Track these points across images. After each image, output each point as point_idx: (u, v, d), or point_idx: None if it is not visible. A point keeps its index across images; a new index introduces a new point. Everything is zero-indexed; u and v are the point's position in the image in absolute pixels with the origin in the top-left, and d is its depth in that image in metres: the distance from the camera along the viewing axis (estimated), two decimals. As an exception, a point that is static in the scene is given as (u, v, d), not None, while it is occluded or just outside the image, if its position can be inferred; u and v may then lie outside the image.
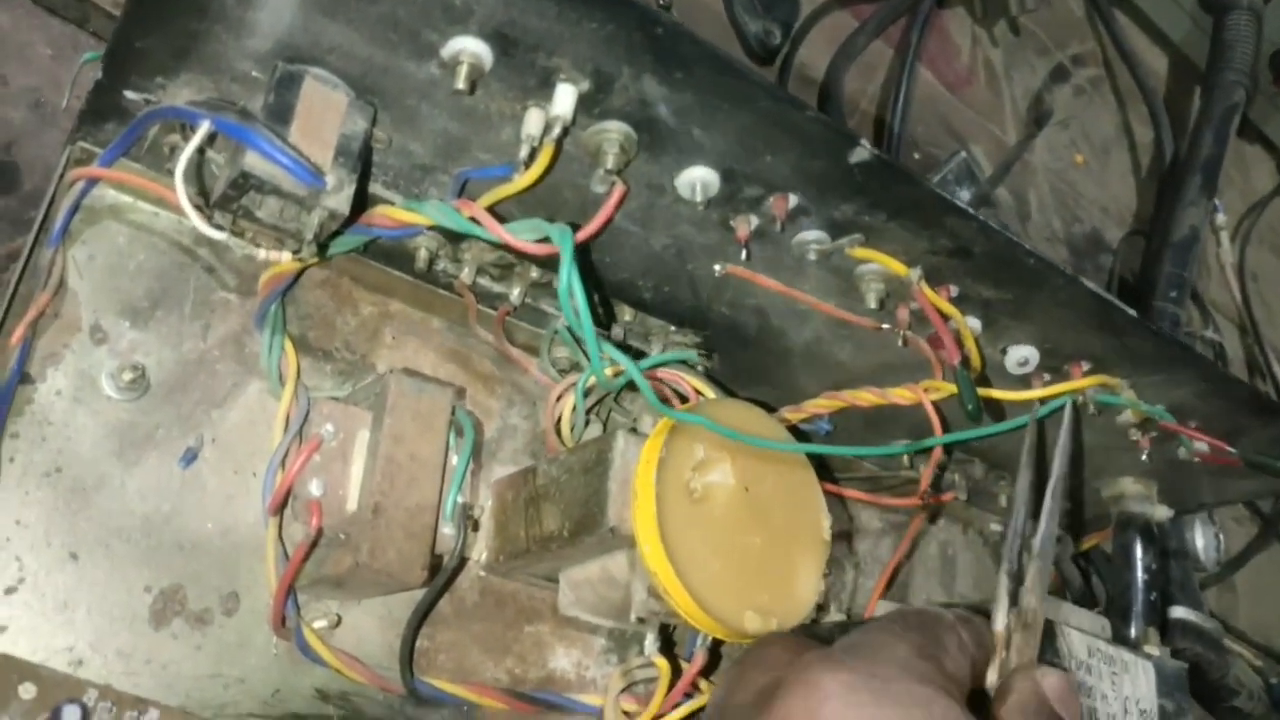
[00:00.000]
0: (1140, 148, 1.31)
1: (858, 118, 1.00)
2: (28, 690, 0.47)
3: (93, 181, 0.54)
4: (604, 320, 0.66)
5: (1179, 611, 0.95)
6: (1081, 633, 0.67)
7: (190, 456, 0.55)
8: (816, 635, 0.72)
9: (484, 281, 0.62)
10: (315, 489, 0.53)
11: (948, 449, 0.69)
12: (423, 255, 0.59)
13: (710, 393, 0.64)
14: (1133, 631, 0.81)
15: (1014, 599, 0.43)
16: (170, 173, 0.53)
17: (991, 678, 0.41)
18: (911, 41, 1.00)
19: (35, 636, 0.49)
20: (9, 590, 0.49)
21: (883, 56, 1.04)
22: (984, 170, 1.04)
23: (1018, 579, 0.43)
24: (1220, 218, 1.30)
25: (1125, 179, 1.29)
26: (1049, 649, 0.64)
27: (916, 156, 1.02)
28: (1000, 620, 0.42)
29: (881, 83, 1.03)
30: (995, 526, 0.92)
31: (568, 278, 0.49)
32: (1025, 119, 1.17)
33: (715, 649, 0.62)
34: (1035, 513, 0.47)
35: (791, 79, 0.95)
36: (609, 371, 0.59)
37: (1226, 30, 1.16)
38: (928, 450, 0.78)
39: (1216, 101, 1.14)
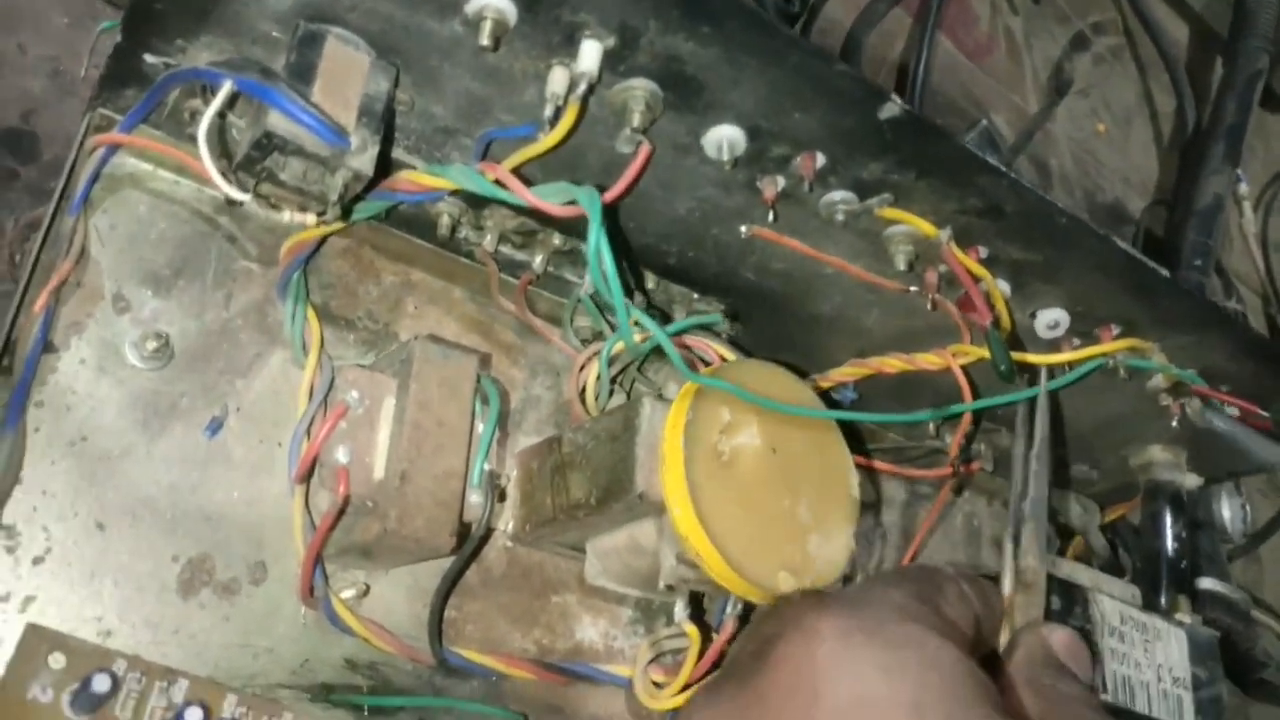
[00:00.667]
0: (1162, 116, 1.29)
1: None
2: (57, 660, 0.47)
3: (113, 148, 0.53)
4: (628, 287, 0.65)
5: (1207, 582, 0.94)
6: (1113, 599, 0.66)
7: (215, 426, 0.54)
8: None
9: (506, 249, 0.62)
10: (342, 456, 0.52)
11: (976, 417, 0.68)
12: (445, 222, 0.58)
13: (733, 359, 0.63)
14: (1163, 600, 0.80)
15: (1015, 560, 0.45)
16: (191, 138, 0.52)
17: (1003, 640, 0.41)
18: (931, 8, 0.99)
19: (64, 606, 0.49)
20: (36, 560, 0.49)
21: (902, 24, 1.03)
22: (1005, 139, 1.03)
23: (1019, 542, 0.44)
24: (1243, 187, 1.28)
25: (1147, 148, 1.27)
26: (1081, 614, 0.64)
27: (938, 124, 1.00)
28: (1008, 585, 0.42)
29: (901, 50, 1.01)
30: (1021, 497, 0.91)
31: (596, 240, 0.48)
32: (1046, 88, 1.15)
33: (745, 616, 0.62)
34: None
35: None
36: (636, 337, 0.59)
37: (1250, -4, 1.14)
38: (956, 418, 0.77)
39: (1239, 69, 1.12)
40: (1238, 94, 1.11)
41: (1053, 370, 0.66)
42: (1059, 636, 0.40)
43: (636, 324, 0.57)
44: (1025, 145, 1.06)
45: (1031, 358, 0.65)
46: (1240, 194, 1.29)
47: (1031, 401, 0.57)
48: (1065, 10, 1.20)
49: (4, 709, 0.46)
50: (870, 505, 0.81)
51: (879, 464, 0.79)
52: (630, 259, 0.64)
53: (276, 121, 0.45)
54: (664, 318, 0.67)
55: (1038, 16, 1.17)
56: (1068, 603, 0.63)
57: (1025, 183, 0.57)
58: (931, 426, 0.79)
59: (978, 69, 1.07)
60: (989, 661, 0.41)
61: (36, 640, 0.47)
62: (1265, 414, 0.73)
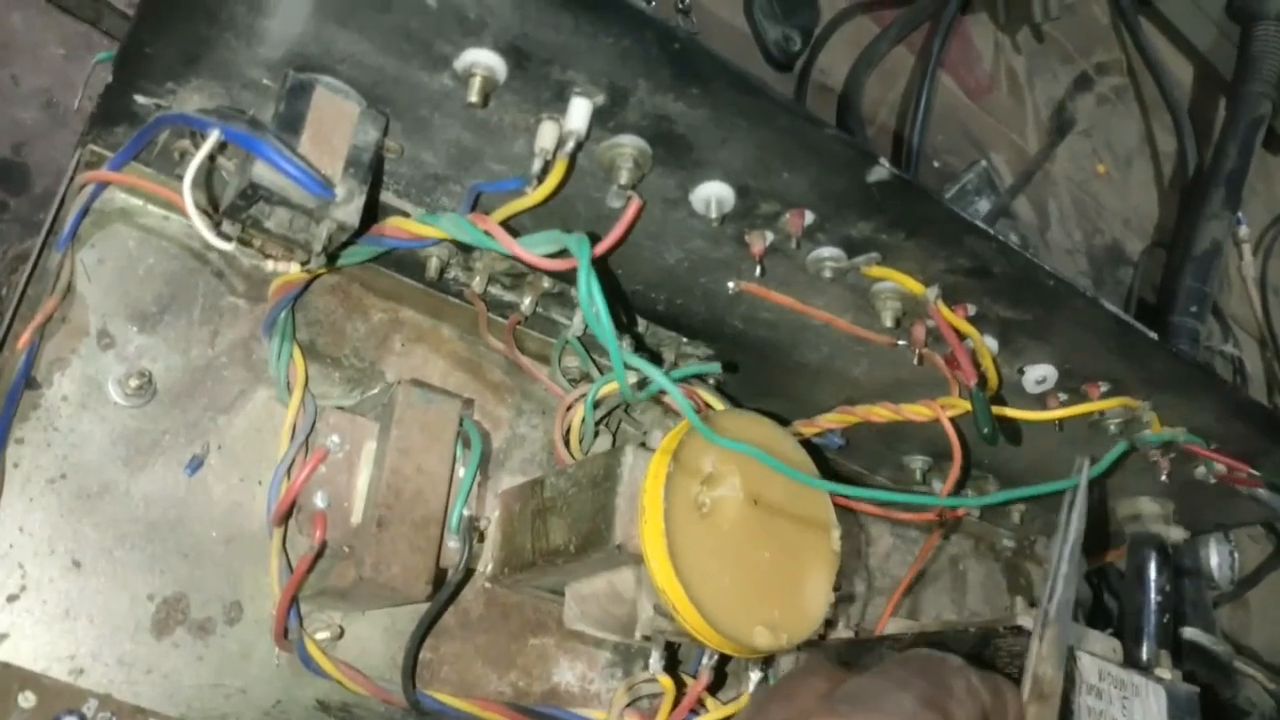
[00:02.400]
0: (1163, 158, 1.29)
1: (877, 125, 0.99)
2: (27, 699, 0.47)
3: (103, 185, 0.53)
4: (619, 327, 0.65)
5: (1190, 633, 0.94)
6: (1093, 656, 0.66)
7: (196, 464, 0.54)
8: (824, 651, 0.71)
9: (495, 290, 0.62)
10: (320, 501, 0.52)
11: (965, 466, 0.68)
12: (434, 264, 0.58)
13: (719, 405, 0.64)
14: (1144, 653, 0.80)
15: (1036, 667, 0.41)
16: (179, 177, 0.53)
17: None
18: (934, 49, 0.99)
19: (37, 644, 0.49)
20: (11, 598, 0.49)
21: (904, 63, 1.03)
22: (1004, 180, 1.03)
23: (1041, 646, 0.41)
24: (1243, 230, 1.28)
25: (1147, 190, 1.27)
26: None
27: (936, 165, 1.01)
28: (1026, 691, 0.40)
29: (902, 90, 1.02)
30: (1007, 542, 0.91)
31: (586, 287, 0.48)
32: (1047, 128, 1.15)
33: (721, 666, 0.62)
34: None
35: (811, 85, 0.94)
36: (631, 379, 0.58)
37: (1254, 42, 1.14)
38: (945, 464, 0.77)
39: (1242, 114, 1.12)
40: (1239, 139, 1.11)
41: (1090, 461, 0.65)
42: None
43: (630, 367, 0.57)
44: (1024, 186, 1.06)
45: (1011, 413, 0.65)
46: (1240, 236, 1.29)
47: (1071, 493, 0.52)
48: (1069, 50, 1.20)
49: (-27, 747, 0.46)
50: (854, 549, 0.81)
51: (866, 507, 0.79)
52: (620, 303, 0.64)
53: (262, 172, 0.45)
54: (654, 359, 0.67)
55: (1041, 55, 1.18)
56: (1047, 659, 0.63)
57: (1013, 245, 0.57)
58: (919, 474, 0.79)
59: (978, 108, 1.07)
60: None
61: (7, 678, 0.47)
62: (1256, 473, 0.73)
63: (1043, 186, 1.12)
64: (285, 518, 0.52)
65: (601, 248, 0.50)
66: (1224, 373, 1.19)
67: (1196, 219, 1.09)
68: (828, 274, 0.56)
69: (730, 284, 0.59)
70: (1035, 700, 0.39)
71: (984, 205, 0.98)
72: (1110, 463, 0.65)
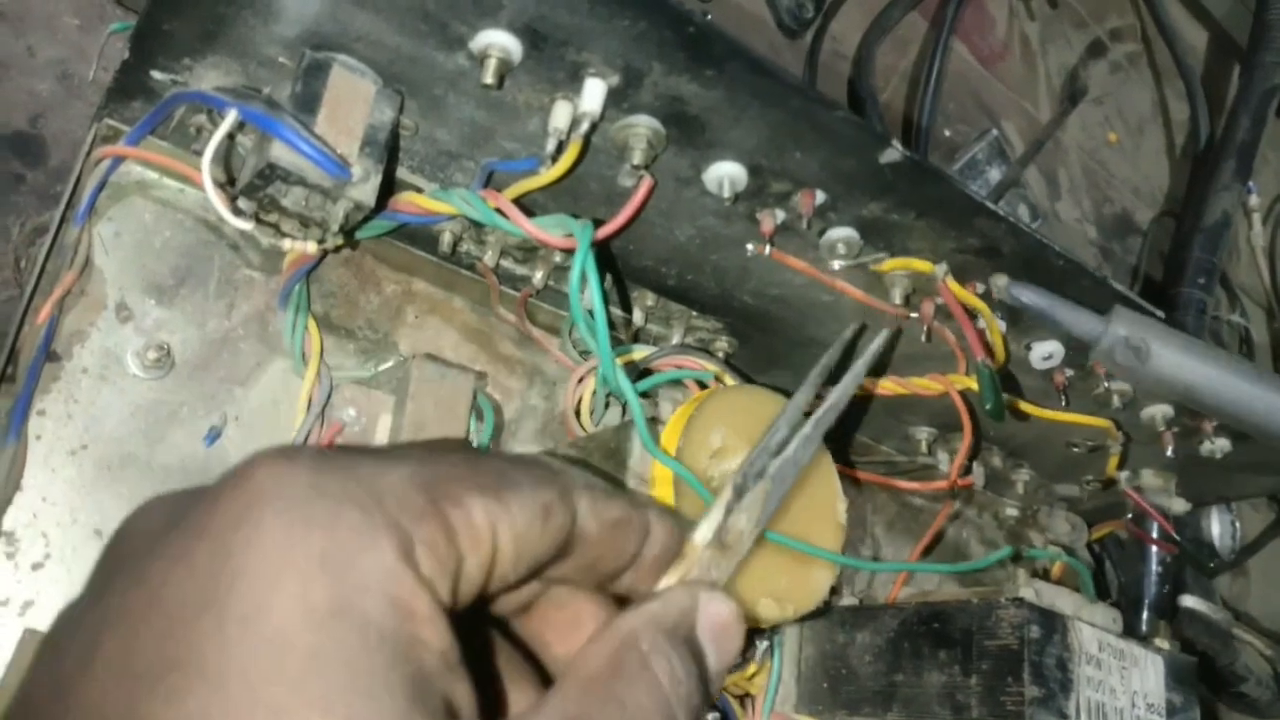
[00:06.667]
0: (1175, 126, 1.28)
1: (889, 93, 0.99)
2: (53, 664, 0.48)
3: (119, 159, 0.53)
4: (626, 305, 0.66)
5: (1189, 600, 0.95)
6: (1093, 627, 0.68)
7: (214, 435, 0.55)
8: (829, 619, 0.73)
9: (507, 264, 0.62)
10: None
11: (975, 438, 0.69)
12: (447, 239, 0.59)
13: (729, 380, 0.64)
14: (1144, 624, 0.81)
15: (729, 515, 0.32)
16: (196, 153, 0.53)
17: (662, 588, 0.31)
18: (947, 15, 0.98)
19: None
20: (36, 566, 0.50)
21: (916, 30, 1.02)
22: (1015, 149, 1.03)
23: (741, 496, 0.33)
24: (1253, 199, 1.28)
25: (1158, 158, 1.27)
26: (1060, 642, 0.65)
27: (947, 134, 1.00)
28: (704, 532, 0.31)
29: (914, 58, 1.01)
30: (1010, 511, 0.92)
31: (581, 270, 0.49)
32: (1059, 95, 1.15)
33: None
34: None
35: (823, 52, 0.94)
36: (620, 361, 0.59)
37: (1271, 9, 1.13)
38: (953, 431, 0.78)
39: (1256, 83, 1.11)
40: (1252, 110, 1.10)
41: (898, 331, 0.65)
42: (716, 609, 0.29)
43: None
44: (1035, 155, 1.06)
45: (1025, 407, 0.66)
46: (1250, 206, 1.29)
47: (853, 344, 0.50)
48: (1083, 16, 1.19)
49: (2, 712, 0.47)
50: (860, 519, 0.82)
51: (872, 476, 0.80)
52: (630, 278, 0.65)
53: (280, 152, 0.45)
54: (663, 333, 0.67)
55: (1055, 22, 1.17)
56: (1047, 629, 0.64)
57: (1023, 220, 0.57)
58: (925, 445, 0.80)
59: (991, 76, 1.06)
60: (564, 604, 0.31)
61: (34, 645, 0.49)
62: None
63: (1053, 155, 1.11)
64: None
65: (608, 230, 0.51)
66: (1231, 342, 1.20)
67: (1207, 190, 1.08)
68: (837, 266, 0.57)
69: (749, 246, 0.59)
70: (715, 546, 0.31)
71: (994, 175, 0.98)
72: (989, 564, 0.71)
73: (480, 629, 0.29)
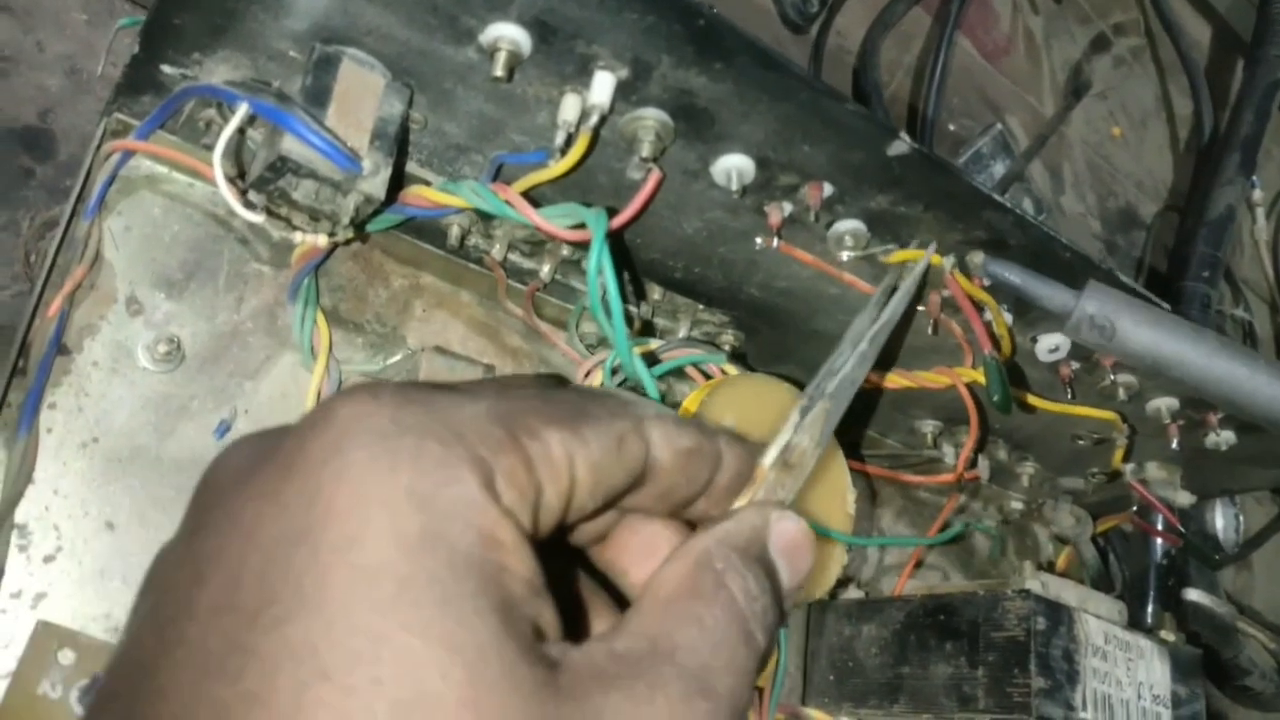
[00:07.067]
0: (1179, 120, 1.28)
1: (893, 88, 0.99)
2: (67, 656, 0.49)
3: (129, 153, 0.54)
4: (632, 298, 0.66)
5: (1193, 594, 0.95)
6: (1098, 619, 0.68)
7: (224, 428, 0.55)
8: (835, 611, 0.73)
9: (515, 257, 0.62)
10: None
11: (982, 431, 0.69)
12: (455, 232, 0.59)
13: (733, 371, 0.64)
14: (1149, 616, 0.82)
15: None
16: (206, 147, 0.53)
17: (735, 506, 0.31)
18: (951, 10, 0.98)
19: (74, 604, 0.50)
20: (48, 558, 0.50)
21: (920, 25, 1.02)
22: (1019, 143, 1.03)
23: (805, 415, 0.34)
24: (1257, 194, 1.28)
25: (1162, 153, 1.27)
26: (1066, 633, 0.65)
27: (952, 128, 1.00)
28: (771, 455, 0.32)
29: (918, 52, 1.01)
30: (1016, 504, 0.92)
31: (597, 261, 0.49)
32: (1064, 90, 1.15)
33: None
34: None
35: (827, 47, 0.94)
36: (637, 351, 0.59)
37: (1274, 4, 1.13)
38: (957, 429, 0.78)
39: (1259, 77, 1.11)
40: (1256, 104, 1.10)
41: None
42: (788, 527, 0.29)
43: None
44: (1039, 149, 1.06)
45: (1034, 400, 0.66)
46: (1254, 200, 1.29)
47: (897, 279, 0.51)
48: (1087, 10, 1.19)
49: (15, 703, 0.47)
50: (867, 512, 0.82)
51: (879, 470, 0.80)
52: (637, 271, 0.65)
53: (291, 145, 0.45)
54: (669, 326, 0.68)
55: (1059, 16, 1.17)
56: (1053, 621, 0.64)
57: (1029, 213, 0.57)
58: (930, 438, 0.80)
59: (995, 70, 1.07)
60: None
61: (47, 637, 0.49)
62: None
63: (1057, 149, 1.11)
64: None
65: (618, 221, 0.51)
66: (1234, 337, 1.20)
67: (1211, 184, 1.08)
68: (845, 258, 0.57)
69: (758, 239, 0.59)
70: (779, 467, 0.32)
71: (999, 169, 0.98)
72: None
73: (560, 557, 0.29)
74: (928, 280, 0.60)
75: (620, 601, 0.31)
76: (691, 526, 0.31)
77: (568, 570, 0.31)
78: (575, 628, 0.29)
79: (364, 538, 0.22)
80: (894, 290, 0.43)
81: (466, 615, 0.22)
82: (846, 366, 0.36)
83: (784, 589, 0.29)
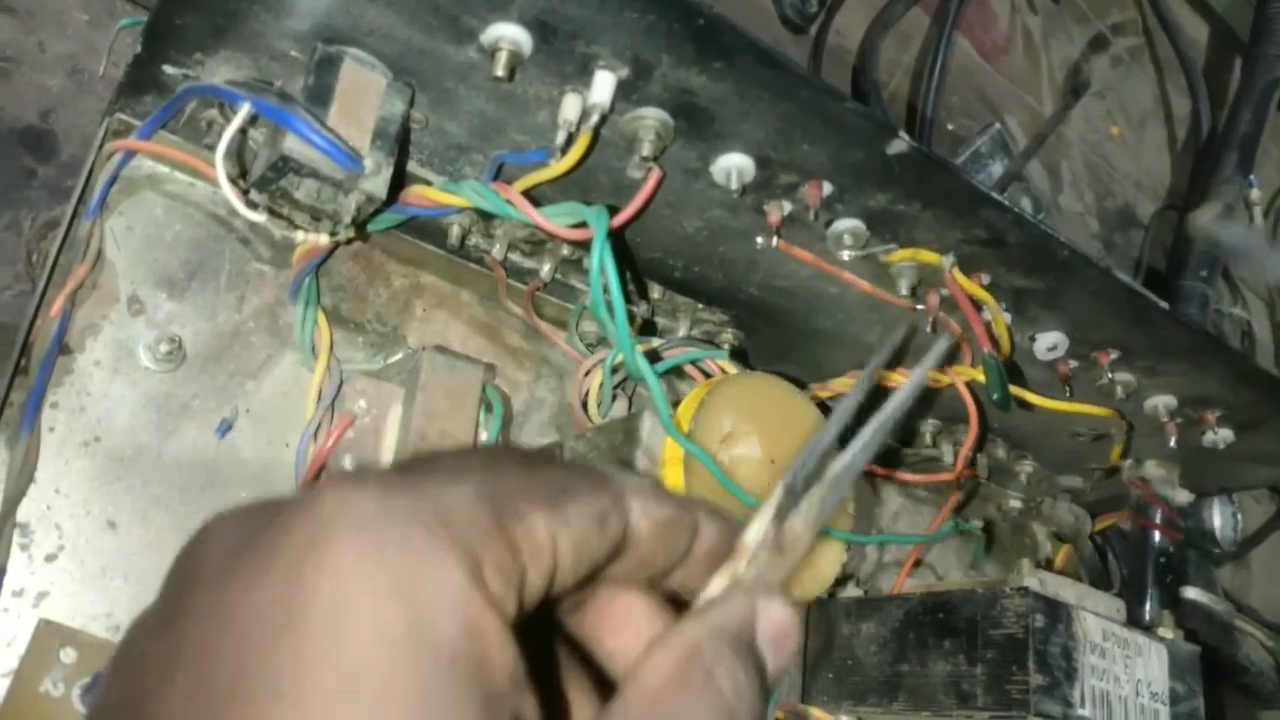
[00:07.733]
0: (1177, 120, 1.29)
1: (892, 87, 0.99)
2: (69, 655, 0.49)
3: (131, 153, 0.54)
4: (633, 296, 0.66)
5: (1191, 592, 0.95)
6: (1097, 616, 0.68)
7: (225, 427, 0.56)
8: (833, 610, 0.73)
9: (515, 257, 0.63)
10: (348, 464, 0.54)
11: (982, 431, 0.69)
12: (455, 232, 0.59)
13: (733, 371, 0.65)
14: (1147, 613, 0.82)
15: (781, 517, 0.31)
16: (208, 147, 0.53)
17: (713, 586, 0.30)
18: (950, 10, 0.99)
19: (75, 602, 0.51)
20: (49, 557, 0.50)
21: (919, 24, 1.02)
22: (1018, 142, 1.03)
23: (795, 498, 0.32)
24: (1254, 193, 1.28)
25: (1160, 152, 1.27)
26: (1064, 631, 0.65)
27: (950, 128, 1.01)
28: (755, 532, 0.31)
29: (917, 52, 1.01)
30: (1014, 503, 0.92)
31: (599, 259, 0.49)
32: (1062, 89, 1.15)
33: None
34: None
35: (826, 47, 0.94)
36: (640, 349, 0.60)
37: (1272, 3, 1.13)
38: (955, 428, 0.79)
39: (1257, 76, 1.11)
40: (1253, 103, 1.10)
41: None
42: (774, 615, 0.29)
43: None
44: (1038, 149, 1.06)
45: (1032, 398, 0.66)
46: (1251, 199, 1.29)
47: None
48: (1085, 10, 1.19)
49: (17, 701, 0.48)
50: (866, 511, 0.82)
51: (878, 470, 0.80)
52: (637, 270, 0.65)
53: (293, 145, 0.45)
54: (669, 325, 0.68)
55: (1057, 16, 1.17)
56: (1052, 619, 0.64)
57: (1027, 211, 0.57)
58: (929, 437, 0.80)
59: (993, 70, 1.07)
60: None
61: (49, 635, 0.49)
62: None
63: (1056, 149, 1.12)
64: (314, 481, 0.53)
65: (619, 219, 0.51)
66: (1232, 335, 1.20)
67: (1208, 183, 1.08)
68: (845, 257, 0.57)
69: (759, 239, 0.59)
70: (773, 550, 0.31)
71: (997, 169, 0.98)
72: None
73: (536, 629, 0.30)
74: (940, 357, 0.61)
75: (594, 671, 0.31)
76: (669, 596, 0.31)
77: (545, 644, 0.30)
78: (554, 710, 0.29)
79: (347, 630, 0.22)
80: (885, 362, 0.41)
81: (448, 713, 0.22)
82: (848, 453, 0.34)
83: (769, 677, 0.29)
